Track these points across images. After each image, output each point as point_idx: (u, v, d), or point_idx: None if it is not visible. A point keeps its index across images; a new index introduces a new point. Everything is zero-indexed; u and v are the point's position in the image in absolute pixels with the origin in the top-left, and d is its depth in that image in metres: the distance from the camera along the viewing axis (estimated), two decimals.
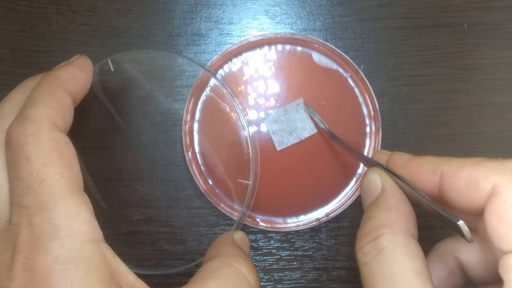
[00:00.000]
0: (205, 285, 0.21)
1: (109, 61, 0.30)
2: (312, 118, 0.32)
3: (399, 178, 0.23)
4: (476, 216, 0.21)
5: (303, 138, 0.32)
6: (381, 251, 0.20)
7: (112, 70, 0.31)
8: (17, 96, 0.24)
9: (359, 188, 0.32)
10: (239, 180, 0.31)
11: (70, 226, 0.19)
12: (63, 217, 0.19)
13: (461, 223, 0.20)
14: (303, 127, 0.32)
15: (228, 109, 0.32)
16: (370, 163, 0.26)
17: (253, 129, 0.33)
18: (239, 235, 0.26)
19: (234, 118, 0.32)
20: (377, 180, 0.23)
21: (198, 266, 0.26)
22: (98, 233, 0.21)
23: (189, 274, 0.32)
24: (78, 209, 0.20)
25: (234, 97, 0.30)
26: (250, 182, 0.30)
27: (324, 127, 0.32)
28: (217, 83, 0.32)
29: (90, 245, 0.20)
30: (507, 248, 0.18)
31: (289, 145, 0.32)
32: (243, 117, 0.30)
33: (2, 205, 0.21)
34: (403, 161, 0.23)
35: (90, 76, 0.26)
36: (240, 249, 0.24)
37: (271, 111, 0.33)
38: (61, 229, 0.19)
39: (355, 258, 0.21)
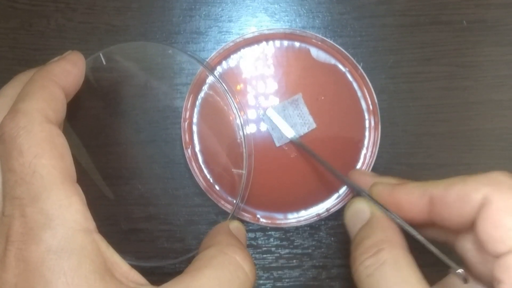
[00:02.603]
0: (200, 274, 0.21)
1: (100, 55, 0.30)
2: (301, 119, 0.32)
3: (386, 210, 0.24)
4: (463, 231, 0.23)
5: (302, 134, 0.32)
6: (384, 262, 0.21)
7: (104, 63, 0.31)
8: (11, 90, 0.24)
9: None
10: (233, 170, 0.31)
11: (62, 216, 0.19)
12: (55, 207, 0.19)
13: (461, 271, 0.22)
14: (303, 122, 0.32)
15: (227, 106, 0.32)
16: (358, 190, 0.27)
17: (251, 127, 0.33)
18: (234, 225, 0.26)
19: (233, 115, 0.32)
20: (365, 206, 0.25)
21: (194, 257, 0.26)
22: (90, 223, 0.21)
23: None
24: (70, 199, 0.20)
25: (230, 95, 0.30)
26: (244, 172, 0.30)
27: (294, 139, 0.32)
28: (215, 80, 0.32)
29: (82, 235, 0.20)
30: (504, 250, 0.20)
31: (288, 141, 0.32)
32: (239, 116, 0.30)
33: None
34: (388, 191, 0.25)
35: (82, 71, 0.26)
36: (236, 238, 0.24)
37: (269, 107, 0.33)
38: (53, 219, 0.19)
39: (353, 275, 0.23)
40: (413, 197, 0.23)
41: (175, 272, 0.32)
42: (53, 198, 0.20)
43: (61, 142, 0.22)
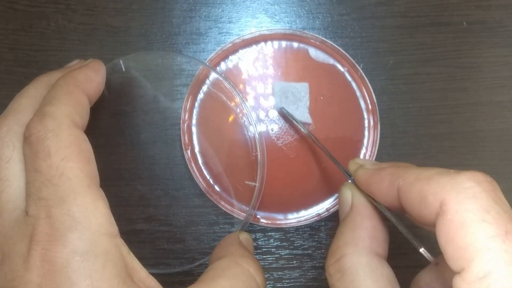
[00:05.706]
0: (215, 283, 0.21)
1: (120, 62, 0.31)
2: (293, 123, 0.32)
3: (365, 195, 0.23)
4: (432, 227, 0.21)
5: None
6: (344, 273, 0.21)
7: (124, 70, 0.31)
8: (34, 91, 0.24)
9: None
10: (246, 182, 0.32)
11: (88, 219, 0.20)
12: (82, 210, 0.20)
13: (422, 250, 0.20)
14: (299, 114, 0.32)
15: (227, 107, 0.32)
16: (346, 174, 0.26)
17: (259, 127, 0.33)
18: (244, 236, 0.27)
19: (233, 115, 0.32)
20: (348, 196, 0.24)
21: (200, 266, 0.26)
22: (114, 228, 0.21)
23: (188, 273, 0.32)
24: (96, 203, 0.20)
25: (239, 93, 0.31)
26: (257, 184, 0.30)
27: (304, 130, 0.31)
28: (218, 79, 0.32)
29: (107, 239, 0.20)
30: (456, 269, 0.18)
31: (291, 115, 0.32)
32: (249, 113, 0.30)
33: (18, 196, 0.21)
34: (366, 177, 0.23)
35: (103, 79, 0.27)
36: (247, 250, 0.25)
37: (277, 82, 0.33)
38: (80, 221, 0.19)
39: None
40: (384, 186, 0.22)
41: (175, 273, 0.32)
42: (80, 201, 0.20)
43: (87, 147, 0.22)
